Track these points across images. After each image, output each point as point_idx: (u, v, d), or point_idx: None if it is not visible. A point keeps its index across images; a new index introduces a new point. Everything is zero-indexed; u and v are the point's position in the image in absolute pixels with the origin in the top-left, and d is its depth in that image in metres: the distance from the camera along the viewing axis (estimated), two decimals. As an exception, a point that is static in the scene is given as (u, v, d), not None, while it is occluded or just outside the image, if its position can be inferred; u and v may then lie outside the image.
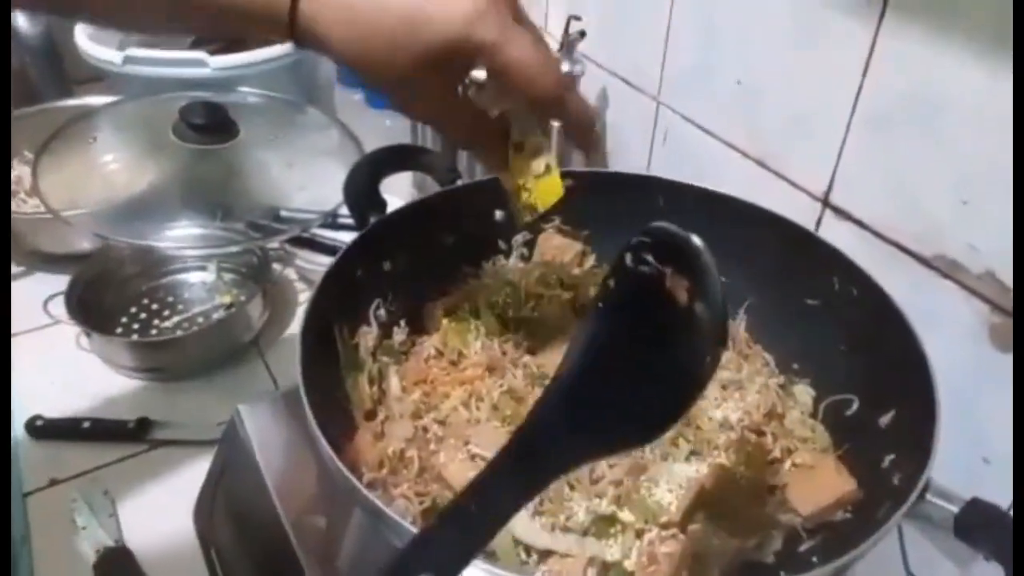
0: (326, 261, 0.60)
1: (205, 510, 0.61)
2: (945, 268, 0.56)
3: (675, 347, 0.30)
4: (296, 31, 0.42)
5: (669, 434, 0.50)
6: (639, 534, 0.45)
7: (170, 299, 0.88)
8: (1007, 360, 0.53)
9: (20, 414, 0.72)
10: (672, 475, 0.48)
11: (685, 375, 0.29)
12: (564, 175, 0.66)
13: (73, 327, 0.78)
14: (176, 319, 0.85)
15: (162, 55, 0.98)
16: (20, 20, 1.05)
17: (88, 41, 0.97)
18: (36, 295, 0.80)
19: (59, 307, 0.78)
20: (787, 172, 0.71)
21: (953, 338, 0.55)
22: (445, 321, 0.58)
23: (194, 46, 1.08)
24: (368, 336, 0.56)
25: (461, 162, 0.88)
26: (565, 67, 0.84)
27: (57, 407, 0.73)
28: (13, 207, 0.93)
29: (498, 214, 0.64)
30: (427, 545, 0.29)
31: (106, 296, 0.85)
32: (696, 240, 0.30)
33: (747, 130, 0.74)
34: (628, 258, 0.32)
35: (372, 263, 0.58)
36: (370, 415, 0.53)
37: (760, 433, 0.53)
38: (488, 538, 0.30)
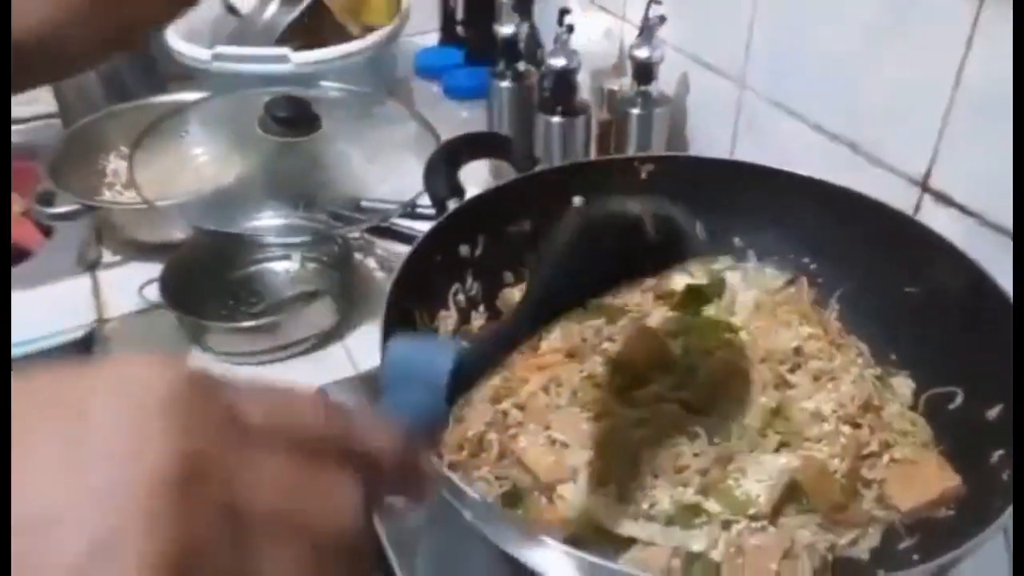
0: (405, 250, 0.61)
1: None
2: (1056, 252, 0.53)
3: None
4: None
5: (757, 424, 0.49)
6: (726, 525, 0.44)
7: (257, 287, 0.90)
8: None
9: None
10: (761, 466, 0.47)
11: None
12: (644, 160, 0.65)
13: (167, 312, 0.81)
14: (262, 306, 0.87)
15: (248, 52, 1.01)
16: (118, 21, 1.10)
17: (179, 40, 1.01)
18: (133, 281, 0.83)
19: (154, 292, 0.82)
20: (882, 156, 0.68)
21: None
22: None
23: (279, 43, 1.11)
24: (448, 320, 0.56)
25: (539, 148, 0.87)
26: (644, 52, 0.82)
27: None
28: (109, 198, 0.97)
29: (576, 200, 0.63)
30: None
31: (196, 283, 0.88)
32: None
33: (839, 113, 0.71)
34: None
35: (450, 249, 0.58)
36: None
37: (856, 425, 0.50)
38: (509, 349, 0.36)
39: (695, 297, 0.60)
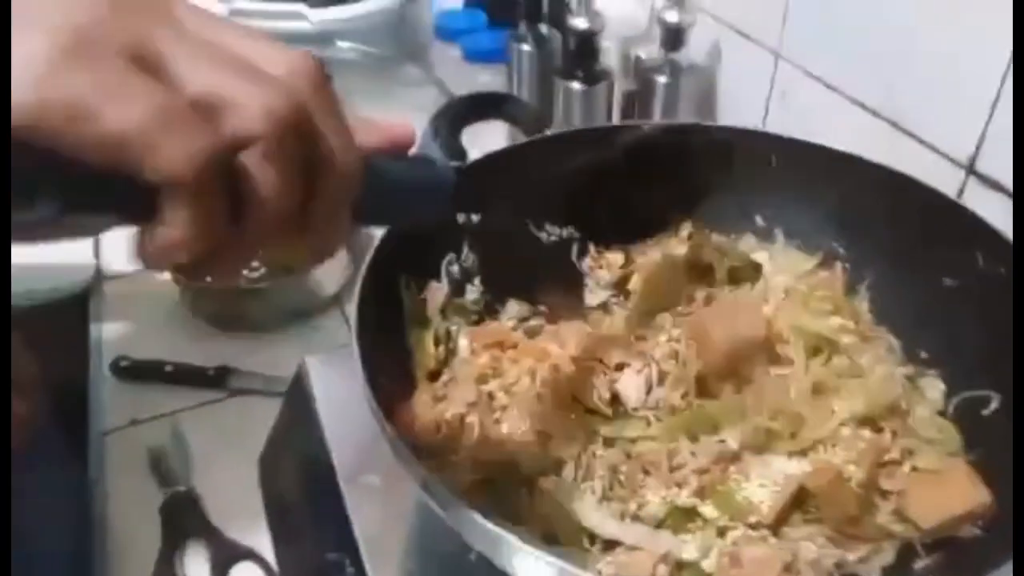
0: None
1: (270, 461, 0.60)
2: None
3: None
4: None
5: (765, 424, 0.44)
6: (722, 532, 0.39)
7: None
8: None
9: (108, 353, 0.74)
10: (767, 469, 0.42)
11: None
12: (669, 129, 0.60)
13: (163, 274, 0.79)
14: (262, 270, 0.85)
15: (266, 7, 0.98)
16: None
17: (194, -9, 0.98)
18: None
19: (151, 252, 0.79)
20: (926, 135, 0.62)
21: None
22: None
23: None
24: (438, 292, 0.52)
25: (557, 116, 0.83)
26: (674, 17, 0.77)
27: (142, 350, 0.74)
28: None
29: (588, 169, 0.59)
30: None
31: (197, 245, 0.86)
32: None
33: (881, 86, 0.65)
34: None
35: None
36: (433, 376, 0.49)
37: (878, 429, 0.45)
38: None
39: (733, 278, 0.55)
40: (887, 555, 0.40)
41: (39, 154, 0.20)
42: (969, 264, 0.48)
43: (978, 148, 0.58)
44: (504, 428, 0.44)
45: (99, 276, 0.84)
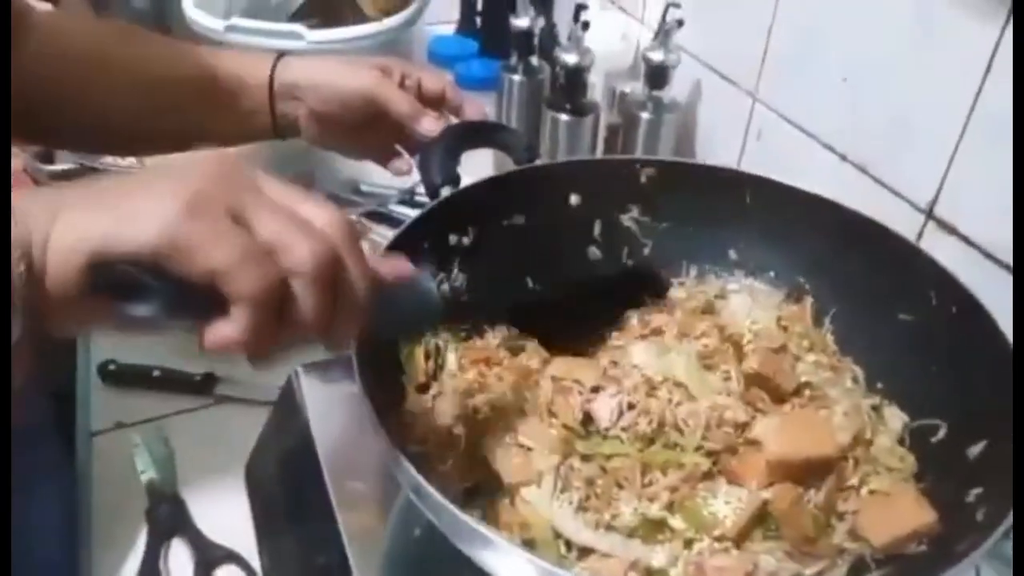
0: (397, 235, 0.60)
1: (257, 466, 0.62)
2: (1060, 294, 0.51)
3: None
4: None
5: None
6: (688, 543, 0.42)
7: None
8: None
9: (96, 357, 0.75)
10: (734, 489, 0.45)
11: None
12: (645, 164, 0.63)
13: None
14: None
15: (262, 26, 1.00)
16: (133, -14, 1.10)
17: (194, 8, 1.00)
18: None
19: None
20: (889, 180, 0.66)
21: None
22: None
23: (293, 19, 1.10)
24: (429, 310, 0.55)
25: (545, 145, 0.86)
26: (658, 56, 0.81)
27: (131, 354, 0.75)
28: (109, 160, 0.97)
29: (573, 198, 0.62)
30: None
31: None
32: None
33: (849, 132, 0.70)
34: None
35: (439, 236, 0.57)
36: (422, 388, 0.52)
37: (841, 458, 0.48)
38: None
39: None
40: (840, 570, 0.43)
41: (157, 273, 0.30)
42: (923, 302, 0.51)
43: (937, 195, 0.62)
44: (489, 441, 0.46)
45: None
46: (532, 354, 0.53)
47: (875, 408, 0.52)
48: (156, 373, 0.74)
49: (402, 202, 0.92)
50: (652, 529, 0.43)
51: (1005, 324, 0.46)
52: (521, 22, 0.89)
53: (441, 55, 1.18)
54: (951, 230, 0.61)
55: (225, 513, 0.61)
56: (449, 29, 1.26)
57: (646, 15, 0.96)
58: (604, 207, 0.63)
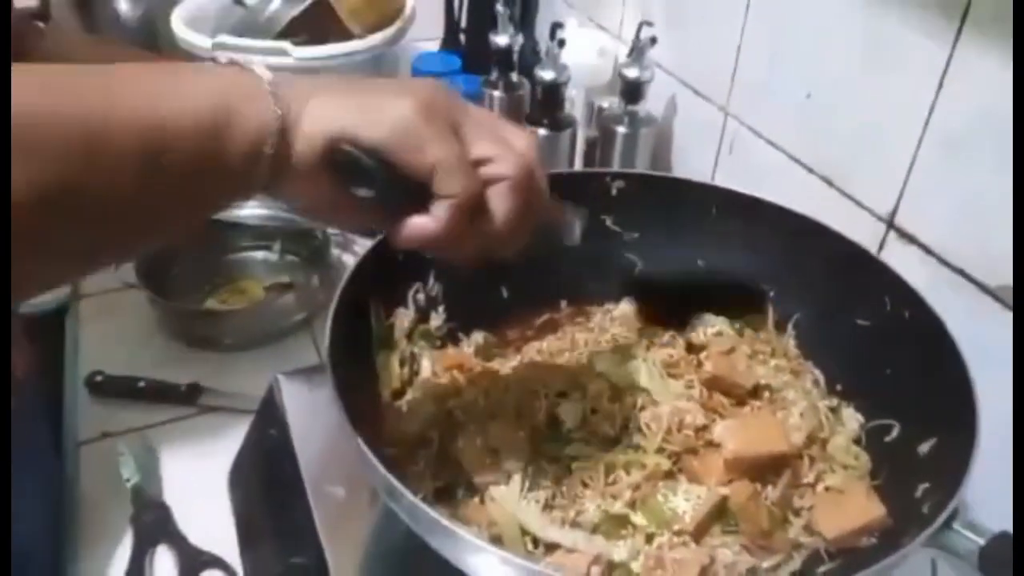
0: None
1: (240, 473, 0.63)
2: (1009, 300, 0.53)
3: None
4: None
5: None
6: (649, 538, 0.44)
7: (234, 274, 0.91)
8: (1069, 400, 0.49)
9: (83, 368, 0.76)
10: (693, 486, 0.47)
11: None
12: (616, 176, 0.65)
13: (140, 292, 0.82)
14: (237, 294, 0.88)
15: (248, 43, 1.02)
16: (122, 4, 1.12)
17: (182, 26, 1.02)
18: (110, 259, 0.84)
19: (129, 273, 0.83)
20: (852, 191, 0.69)
21: (1007, 371, 0.52)
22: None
23: (279, 37, 1.12)
24: (404, 318, 0.57)
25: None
26: (634, 72, 0.83)
27: (117, 366, 0.77)
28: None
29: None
30: None
31: (175, 267, 0.89)
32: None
33: (814, 146, 0.72)
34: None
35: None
36: (397, 394, 0.53)
37: (797, 456, 0.51)
38: None
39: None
40: (794, 563, 0.45)
41: (382, 162, 0.35)
42: (879, 307, 0.54)
43: (897, 205, 0.65)
44: (460, 443, 0.48)
45: (75, 294, 0.87)
46: (503, 361, 0.55)
47: (833, 409, 0.54)
48: (141, 384, 0.76)
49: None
50: (615, 525, 0.45)
51: (955, 326, 0.48)
52: (501, 39, 0.91)
53: (425, 71, 1.21)
54: (911, 239, 0.63)
55: (209, 519, 0.62)
56: (434, 46, 1.29)
57: (623, 32, 0.99)
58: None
